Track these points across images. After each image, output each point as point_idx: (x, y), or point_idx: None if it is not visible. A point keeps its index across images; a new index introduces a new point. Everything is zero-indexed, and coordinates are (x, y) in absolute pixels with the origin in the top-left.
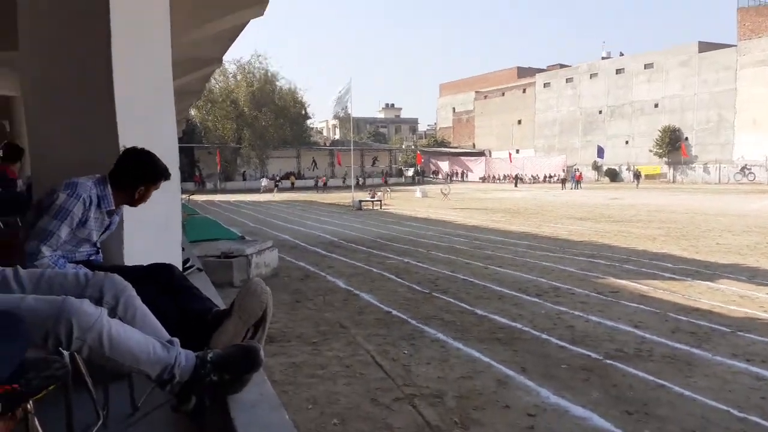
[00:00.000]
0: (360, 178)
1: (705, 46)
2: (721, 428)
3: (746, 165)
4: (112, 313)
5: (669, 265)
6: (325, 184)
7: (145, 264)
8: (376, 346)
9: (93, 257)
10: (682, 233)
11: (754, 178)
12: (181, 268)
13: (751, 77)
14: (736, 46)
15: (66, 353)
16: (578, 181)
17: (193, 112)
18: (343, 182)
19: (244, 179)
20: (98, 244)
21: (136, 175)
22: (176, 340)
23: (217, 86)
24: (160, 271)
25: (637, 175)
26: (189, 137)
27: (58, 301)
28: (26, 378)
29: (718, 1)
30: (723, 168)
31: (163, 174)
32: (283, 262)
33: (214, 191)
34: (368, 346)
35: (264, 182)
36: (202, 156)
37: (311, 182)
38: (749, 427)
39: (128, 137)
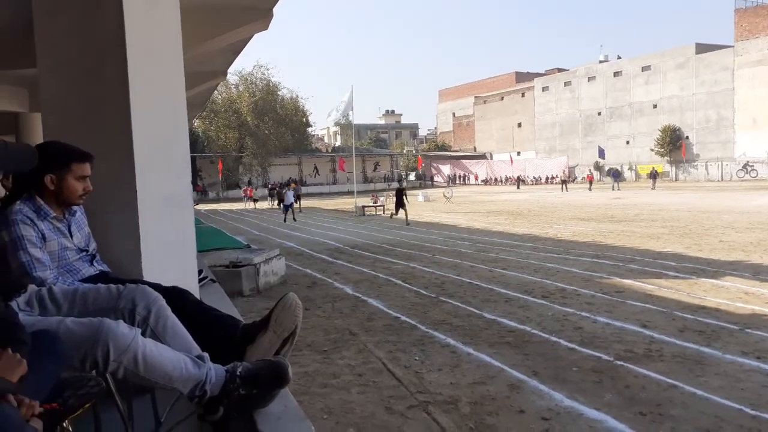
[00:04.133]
0: (389, 183)
1: (702, 48)
2: (735, 426)
3: (748, 162)
4: (144, 324)
5: (673, 263)
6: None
7: (163, 281)
8: (387, 353)
9: (101, 267)
10: (686, 231)
11: (757, 175)
12: (197, 282)
13: (748, 77)
14: (733, 47)
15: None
16: (590, 182)
17: (195, 122)
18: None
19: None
20: (92, 251)
21: (37, 169)
22: (206, 355)
23: (220, 97)
24: (176, 297)
25: (653, 175)
26: (191, 147)
27: (95, 323)
28: (63, 397)
29: (715, 2)
30: (725, 165)
31: (71, 156)
32: (290, 270)
33: (217, 200)
34: (379, 353)
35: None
36: (204, 165)
37: (314, 189)
38: (763, 424)
39: (143, 156)
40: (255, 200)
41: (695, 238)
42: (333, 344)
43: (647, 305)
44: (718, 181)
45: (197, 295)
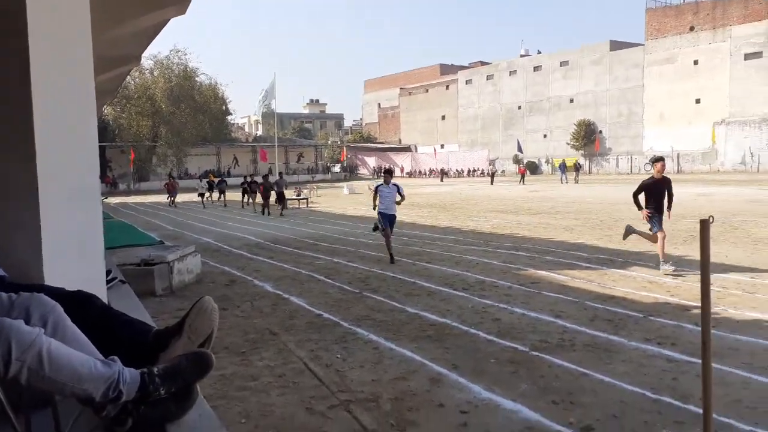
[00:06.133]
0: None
1: (616, 45)
2: (637, 410)
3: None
4: None
5: (585, 254)
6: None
7: (67, 285)
8: (309, 351)
9: None
10: (597, 223)
11: None
12: (105, 284)
13: (657, 74)
14: (643, 45)
15: None
16: (522, 175)
17: (105, 109)
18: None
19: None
20: None
21: None
22: (116, 357)
23: (133, 83)
24: (81, 303)
25: (576, 168)
26: (100, 136)
27: None
28: None
29: (629, 1)
30: (634, 159)
31: None
32: (206, 267)
33: (128, 192)
34: (300, 352)
35: (202, 184)
36: (114, 155)
37: (234, 180)
38: (662, 407)
39: (46, 148)
40: (201, 194)
41: (605, 229)
42: (252, 345)
43: (561, 296)
44: (628, 174)
45: (105, 299)
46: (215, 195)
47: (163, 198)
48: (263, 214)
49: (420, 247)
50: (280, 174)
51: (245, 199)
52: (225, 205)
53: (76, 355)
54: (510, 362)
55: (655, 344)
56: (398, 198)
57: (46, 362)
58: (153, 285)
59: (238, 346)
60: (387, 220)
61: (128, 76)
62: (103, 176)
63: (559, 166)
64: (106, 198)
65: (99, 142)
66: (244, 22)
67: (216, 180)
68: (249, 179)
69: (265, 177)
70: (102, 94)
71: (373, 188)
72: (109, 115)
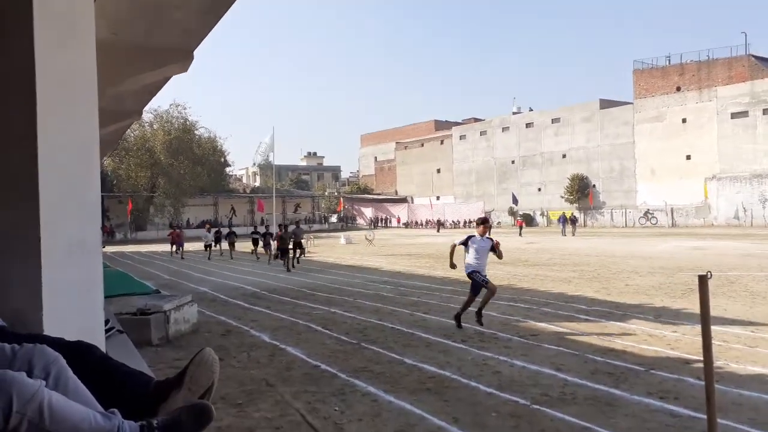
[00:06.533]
0: (310, 225)
1: (606, 103)
2: None
3: (648, 210)
4: None
5: (584, 306)
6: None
7: (66, 335)
8: (306, 404)
9: None
10: (594, 275)
11: (657, 222)
12: (103, 332)
13: (647, 131)
14: (632, 103)
15: None
16: (521, 227)
17: (105, 161)
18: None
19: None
20: None
21: None
22: (116, 410)
23: (132, 135)
24: (82, 354)
25: (573, 221)
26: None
27: None
28: None
29: (617, 63)
30: (628, 213)
31: None
32: (202, 317)
33: (125, 242)
34: (297, 404)
35: (209, 235)
36: (112, 205)
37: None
38: None
39: (50, 201)
40: (208, 246)
41: (603, 282)
42: (248, 396)
43: (561, 348)
44: (623, 227)
45: (103, 349)
46: (223, 245)
47: (160, 248)
48: (288, 270)
49: (417, 297)
50: (297, 223)
51: (255, 249)
52: (232, 258)
53: (77, 408)
54: (511, 416)
55: (657, 398)
56: (495, 254)
57: (47, 415)
58: (149, 334)
59: (234, 398)
60: (480, 281)
61: (128, 129)
62: (102, 226)
63: (559, 219)
64: (104, 247)
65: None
66: (243, 74)
67: (224, 230)
68: (265, 229)
69: (283, 227)
70: (103, 146)
71: (371, 239)
72: (108, 166)
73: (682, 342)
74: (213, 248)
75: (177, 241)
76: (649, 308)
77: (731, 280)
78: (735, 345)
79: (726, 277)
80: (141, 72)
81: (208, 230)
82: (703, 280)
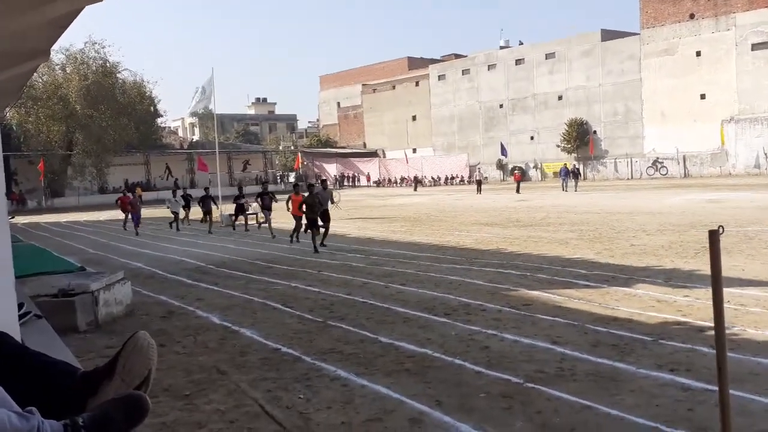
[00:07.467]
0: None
1: (608, 35)
2: None
3: (658, 159)
4: None
5: (583, 271)
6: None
7: None
8: (265, 392)
9: None
10: (596, 235)
11: (667, 172)
12: (17, 319)
13: (655, 67)
14: (639, 34)
15: None
16: (518, 182)
17: (8, 113)
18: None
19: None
20: None
21: None
22: (34, 408)
23: (41, 80)
24: None
25: (575, 173)
26: (3, 144)
27: None
28: None
29: None
30: (635, 162)
31: None
32: (138, 297)
33: (39, 210)
34: (255, 393)
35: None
36: (21, 167)
37: (165, 193)
38: None
39: None
40: (175, 213)
41: (606, 242)
42: (197, 386)
43: (557, 318)
44: (628, 179)
45: (18, 337)
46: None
47: (83, 216)
48: (315, 250)
49: (393, 266)
50: (323, 182)
51: (236, 219)
52: (210, 232)
53: None
54: (502, 396)
55: (667, 371)
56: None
57: None
58: (75, 319)
59: (180, 388)
60: None
61: (35, 74)
62: (8, 192)
63: (560, 171)
64: (12, 218)
65: (2, 152)
66: (173, 3)
67: (189, 194)
68: (263, 189)
69: (307, 185)
70: (3, 96)
71: (337, 201)
72: (12, 120)
73: (694, 307)
74: (182, 216)
75: (130, 211)
76: (657, 271)
77: (750, 236)
78: (753, 309)
79: (744, 232)
80: (45, 2)
81: (174, 193)
82: (714, 236)
